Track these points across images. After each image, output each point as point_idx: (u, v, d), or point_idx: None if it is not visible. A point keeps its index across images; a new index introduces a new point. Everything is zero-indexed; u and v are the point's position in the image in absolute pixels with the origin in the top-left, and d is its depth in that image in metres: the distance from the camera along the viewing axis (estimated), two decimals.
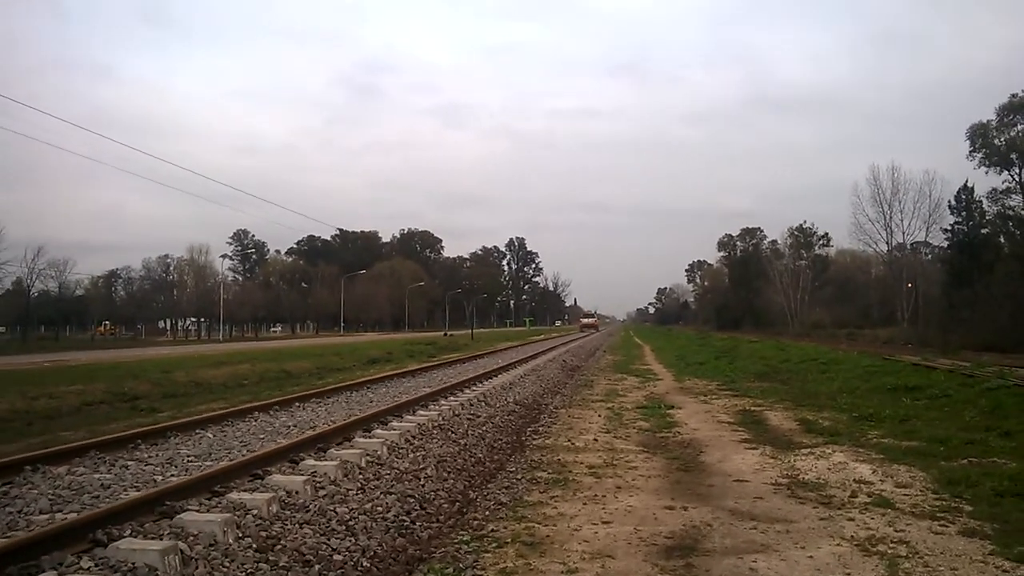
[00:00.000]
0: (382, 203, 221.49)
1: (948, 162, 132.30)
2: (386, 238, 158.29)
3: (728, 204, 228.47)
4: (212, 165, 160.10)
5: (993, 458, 9.50)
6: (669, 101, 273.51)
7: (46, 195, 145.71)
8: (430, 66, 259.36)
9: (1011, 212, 54.04)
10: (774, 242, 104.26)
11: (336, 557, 5.63)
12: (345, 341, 53.45)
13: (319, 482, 7.14)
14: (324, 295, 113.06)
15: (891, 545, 6.07)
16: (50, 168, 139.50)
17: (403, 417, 11.52)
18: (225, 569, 5.00)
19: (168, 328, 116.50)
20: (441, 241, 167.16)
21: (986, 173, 54.51)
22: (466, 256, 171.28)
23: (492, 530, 6.74)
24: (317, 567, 5.38)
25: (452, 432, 10.99)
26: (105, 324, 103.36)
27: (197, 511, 5.83)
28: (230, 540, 5.39)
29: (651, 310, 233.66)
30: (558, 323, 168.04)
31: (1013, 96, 53.24)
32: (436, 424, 11.23)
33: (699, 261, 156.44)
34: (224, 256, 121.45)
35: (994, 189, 54.54)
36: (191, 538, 5.25)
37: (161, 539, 5.13)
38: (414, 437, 10.03)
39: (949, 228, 55.62)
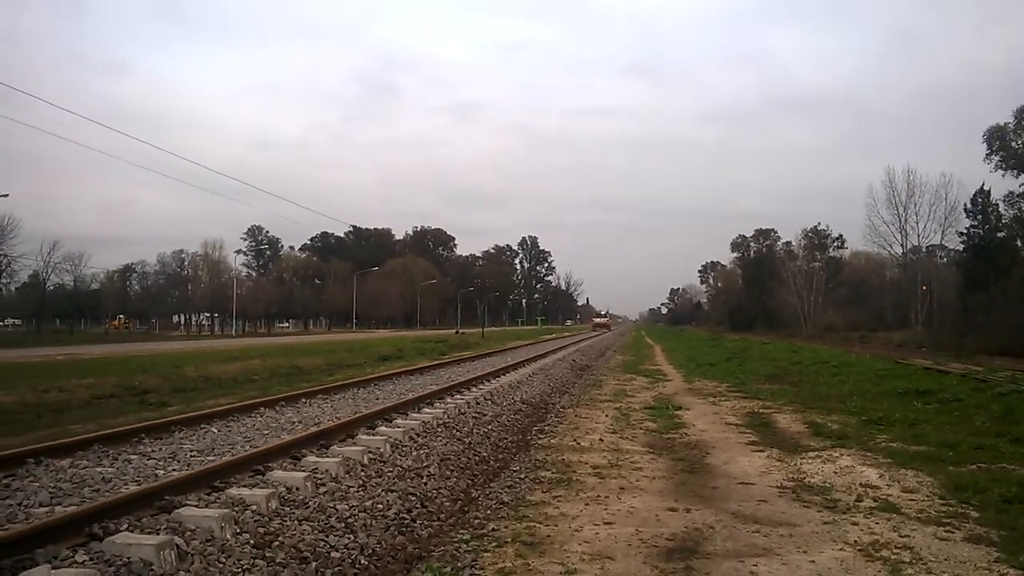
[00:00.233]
0: (395, 200, 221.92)
1: (965, 165, 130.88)
2: (399, 235, 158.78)
3: (741, 205, 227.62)
4: (227, 161, 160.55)
5: (1002, 464, 9.39)
6: (683, 101, 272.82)
7: (62, 189, 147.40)
8: (445, 63, 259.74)
9: None
10: (788, 243, 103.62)
11: (334, 554, 5.61)
12: (357, 338, 53.56)
13: (320, 479, 7.13)
14: (337, 292, 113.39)
15: (895, 551, 6.00)
16: (66, 162, 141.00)
17: (408, 415, 11.50)
18: (221, 565, 4.99)
19: (181, 323, 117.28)
20: (454, 239, 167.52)
21: (1003, 176, 53.93)
22: (479, 254, 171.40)
23: (492, 529, 6.71)
24: (314, 564, 5.36)
25: (457, 430, 10.96)
26: (119, 318, 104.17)
27: (196, 506, 5.82)
28: (228, 536, 5.39)
29: (663, 310, 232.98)
30: (569, 322, 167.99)
31: None
32: (441, 422, 11.21)
33: (712, 262, 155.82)
34: (238, 252, 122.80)
35: (1011, 192, 53.90)
36: (188, 533, 5.24)
37: (157, 534, 5.12)
38: (418, 435, 10.01)
39: (965, 231, 55.07)
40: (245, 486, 6.59)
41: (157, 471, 7.42)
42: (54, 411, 14.72)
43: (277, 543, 5.50)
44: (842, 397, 17.02)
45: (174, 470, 7.44)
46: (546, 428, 12.80)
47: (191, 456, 8.29)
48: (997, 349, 32.42)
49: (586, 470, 9.24)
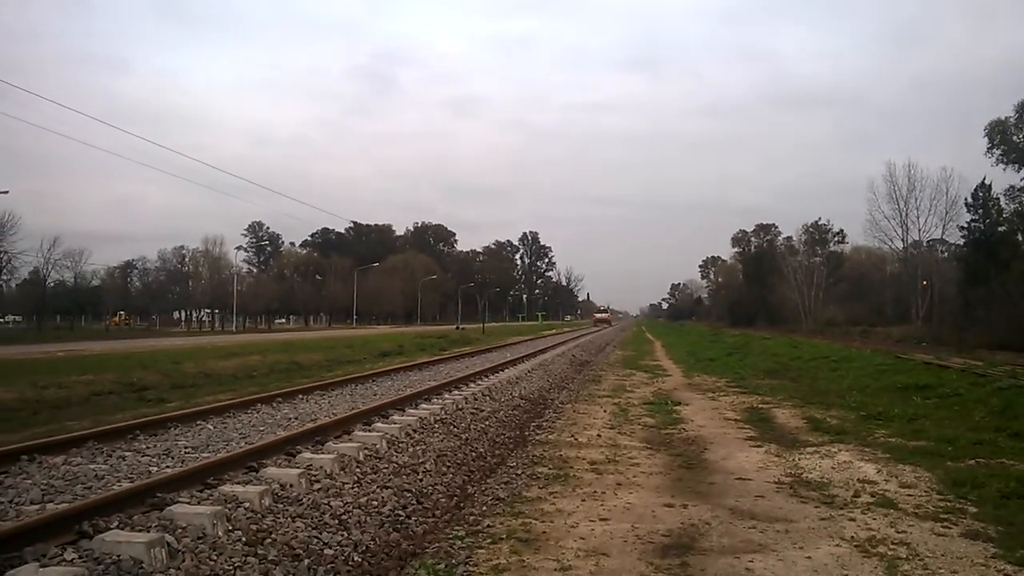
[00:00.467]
0: (396, 195, 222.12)
1: (966, 159, 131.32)
2: (400, 231, 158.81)
3: (742, 200, 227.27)
4: (228, 157, 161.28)
5: (1001, 459, 9.36)
6: (683, 96, 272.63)
7: (62, 185, 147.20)
8: (445, 58, 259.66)
9: None
10: (789, 238, 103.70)
11: (327, 551, 5.58)
12: (357, 334, 53.53)
13: (314, 475, 7.09)
14: (337, 288, 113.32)
15: (891, 546, 5.96)
16: (67, 159, 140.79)
17: (405, 411, 11.46)
18: (212, 562, 4.96)
19: (182, 319, 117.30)
20: (455, 235, 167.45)
21: (1004, 170, 53.83)
22: (479, 250, 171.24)
23: (488, 526, 6.68)
24: (307, 561, 5.33)
25: (454, 426, 10.93)
26: (120, 314, 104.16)
27: (188, 503, 5.79)
28: (220, 533, 5.35)
29: (664, 306, 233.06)
30: (568, 318, 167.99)
31: None
32: (438, 418, 11.17)
33: (713, 257, 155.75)
34: (239, 248, 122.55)
35: (1012, 186, 53.79)
36: (179, 530, 5.21)
37: (148, 531, 5.08)
38: (415, 431, 9.98)
39: (966, 225, 54.97)
40: (239, 483, 6.54)
41: (151, 468, 7.38)
42: (52, 408, 14.68)
43: (270, 540, 5.46)
44: (841, 392, 17.00)
45: (167, 467, 7.41)
46: (544, 424, 12.77)
47: (185, 453, 8.25)
48: (998, 343, 32.36)
49: (583, 466, 9.21)
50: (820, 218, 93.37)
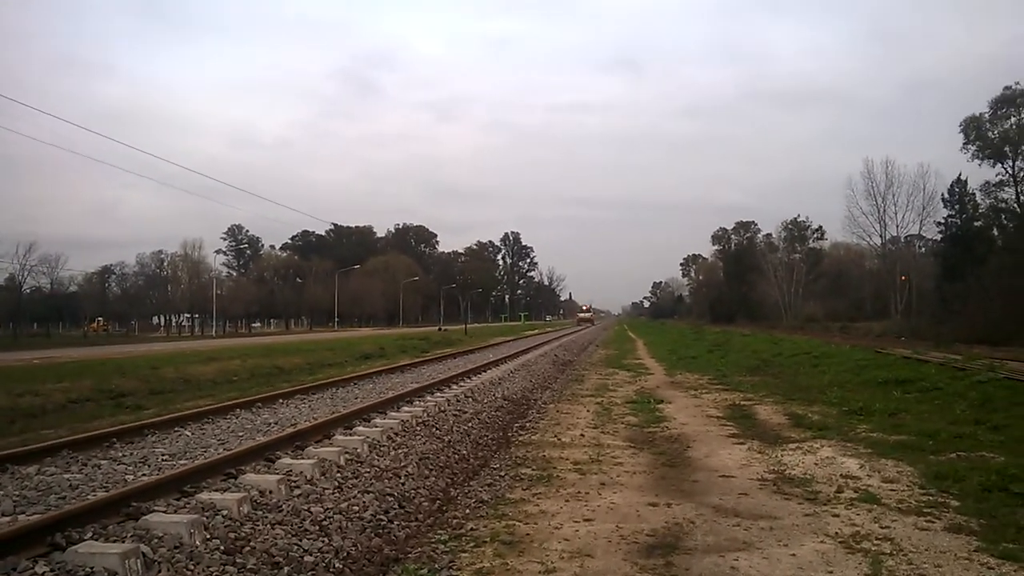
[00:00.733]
0: (378, 197, 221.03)
1: (942, 155, 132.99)
2: (381, 233, 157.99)
3: (723, 198, 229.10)
4: (207, 159, 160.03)
5: (981, 452, 9.41)
6: (665, 95, 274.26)
7: (38, 191, 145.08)
8: (427, 60, 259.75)
9: (1004, 205, 54.17)
10: (768, 236, 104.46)
11: (307, 559, 5.49)
12: (339, 336, 53.18)
13: (294, 481, 6.99)
14: (318, 290, 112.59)
15: (875, 542, 5.96)
16: (42, 163, 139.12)
17: (387, 414, 11.37)
18: (190, 572, 4.86)
19: (161, 324, 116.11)
20: (436, 236, 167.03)
21: (979, 166, 54.62)
22: (461, 251, 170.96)
23: (471, 529, 6.61)
24: (286, 569, 5.24)
25: (437, 428, 10.84)
26: (98, 320, 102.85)
27: (164, 512, 5.68)
28: (197, 542, 5.25)
29: (646, 304, 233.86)
30: (549, 318, 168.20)
31: (1006, 89, 53.31)
32: (420, 420, 11.08)
33: (694, 255, 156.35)
34: (218, 251, 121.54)
35: (987, 182, 54.62)
36: (155, 540, 5.10)
37: (123, 542, 4.98)
38: (397, 434, 9.88)
39: (942, 221, 55.76)
40: (216, 490, 6.43)
41: (127, 476, 7.25)
42: (27, 416, 14.43)
43: (248, 548, 5.36)
44: (823, 388, 17.09)
45: (144, 475, 7.28)
46: (527, 424, 12.71)
47: (162, 460, 8.12)
48: (975, 337, 32.75)
49: (567, 466, 9.16)
50: (799, 215, 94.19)
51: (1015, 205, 53.17)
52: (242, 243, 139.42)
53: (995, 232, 54.09)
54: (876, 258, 71.95)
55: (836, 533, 6.22)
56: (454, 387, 15.73)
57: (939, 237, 57.99)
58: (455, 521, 6.88)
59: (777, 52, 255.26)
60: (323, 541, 5.83)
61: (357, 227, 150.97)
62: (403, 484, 7.81)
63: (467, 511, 7.23)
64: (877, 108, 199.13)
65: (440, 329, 66.53)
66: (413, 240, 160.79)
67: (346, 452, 8.30)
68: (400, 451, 9.05)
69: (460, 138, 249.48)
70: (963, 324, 37.29)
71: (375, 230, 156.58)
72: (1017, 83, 52.98)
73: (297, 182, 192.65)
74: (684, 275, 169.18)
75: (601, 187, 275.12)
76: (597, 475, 8.69)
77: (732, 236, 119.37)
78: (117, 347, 42.01)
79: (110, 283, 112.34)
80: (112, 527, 5.29)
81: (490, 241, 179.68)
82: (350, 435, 9.41)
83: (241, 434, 9.94)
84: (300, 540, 5.73)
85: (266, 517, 6.00)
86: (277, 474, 7.09)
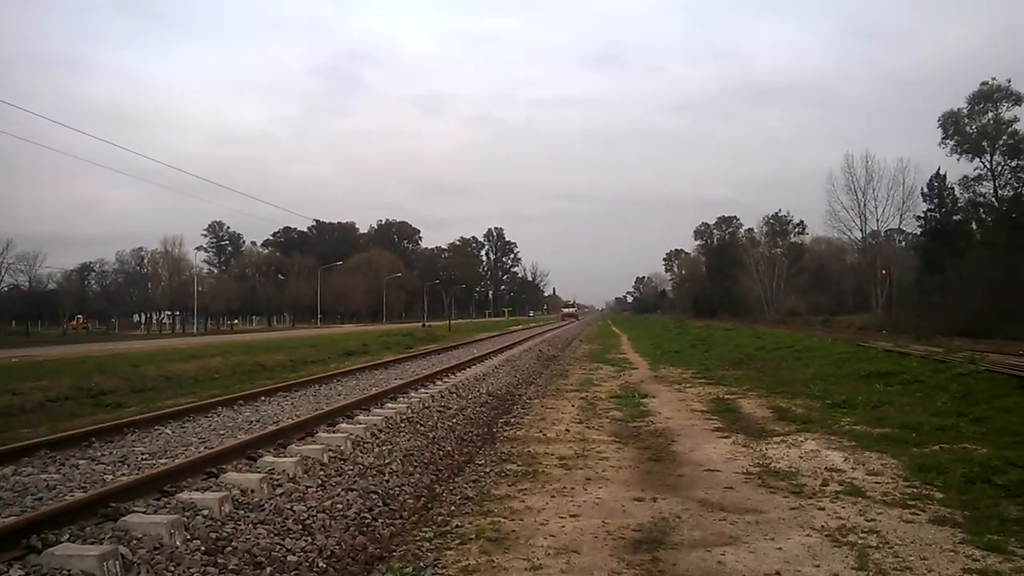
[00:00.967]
0: (361, 193, 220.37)
1: (922, 150, 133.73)
2: (363, 229, 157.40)
3: (706, 193, 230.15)
4: (190, 156, 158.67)
5: (964, 444, 9.45)
6: (648, 91, 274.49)
7: (15, 188, 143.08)
8: (410, 56, 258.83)
9: (982, 199, 54.66)
10: (750, 230, 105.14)
11: (290, 558, 5.41)
12: (322, 333, 52.92)
13: (276, 480, 6.90)
14: (301, 287, 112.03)
15: (861, 535, 5.96)
16: (19, 161, 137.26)
17: (370, 411, 11.27)
18: (170, 574, 4.77)
19: (142, 322, 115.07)
20: (419, 232, 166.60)
21: (958, 160, 55.06)
22: (444, 247, 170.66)
23: (456, 526, 6.54)
24: (269, 569, 5.17)
25: (421, 425, 10.78)
26: (78, 318, 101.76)
27: (144, 512, 5.57)
28: (177, 542, 5.15)
29: (629, 299, 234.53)
30: (532, 313, 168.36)
31: (984, 84, 53.76)
32: (404, 417, 11.00)
33: (677, 250, 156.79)
34: (199, 248, 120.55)
35: (965, 176, 55.13)
36: (135, 542, 5.00)
37: (101, 543, 4.88)
38: (380, 431, 9.80)
39: (922, 215, 56.26)
40: (197, 490, 6.33)
41: (105, 476, 7.12)
42: (5, 415, 14.22)
43: (230, 548, 5.28)
44: (806, 381, 17.16)
45: (123, 475, 7.16)
46: (512, 420, 12.66)
47: (142, 459, 7.98)
48: (955, 330, 33.03)
49: (552, 462, 9.12)
50: (781, 209, 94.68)
51: (993, 199, 53.69)
52: (223, 240, 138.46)
53: (973, 226, 54.65)
54: (857, 252, 72.53)
55: (822, 526, 6.22)
56: (438, 383, 15.66)
57: (919, 231, 58.55)
58: (440, 518, 6.82)
59: (758, 48, 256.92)
60: (306, 540, 5.75)
61: (340, 223, 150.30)
62: (387, 481, 7.75)
63: (452, 508, 7.16)
64: (857, 104, 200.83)
65: (424, 325, 66.40)
66: (396, 236, 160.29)
67: (329, 450, 8.21)
68: (384, 448, 8.97)
69: (444, 134, 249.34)
70: (943, 317, 37.59)
71: (358, 226, 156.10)
72: (994, 79, 53.53)
73: (279, 178, 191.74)
74: (667, 270, 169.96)
75: (585, 183, 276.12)
76: (583, 470, 8.66)
77: (714, 231, 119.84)
78: (97, 345, 41.56)
79: (89, 281, 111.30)
80: (90, 528, 5.18)
81: (473, 237, 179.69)
82: (333, 432, 9.31)
83: (223, 432, 9.82)
84: (283, 539, 5.66)
85: (248, 516, 5.91)
86: (259, 473, 7.00)
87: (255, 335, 58.82)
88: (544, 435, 11.05)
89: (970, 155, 54.18)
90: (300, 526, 5.97)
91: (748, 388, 16.58)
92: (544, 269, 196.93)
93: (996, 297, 35.83)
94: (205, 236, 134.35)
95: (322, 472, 7.48)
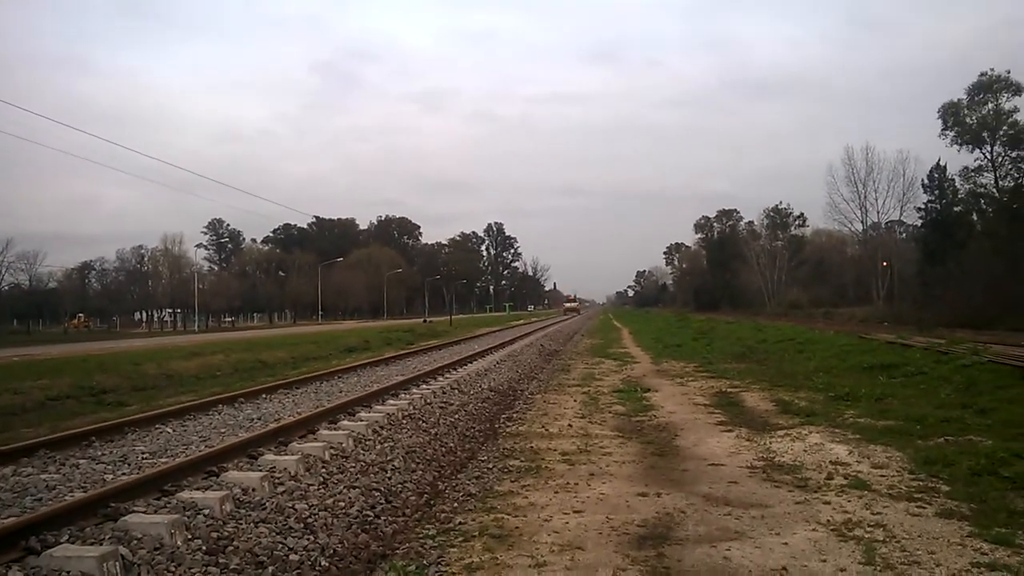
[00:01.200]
0: (360, 190, 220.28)
1: (922, 142, 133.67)
2: (363, 225, 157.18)
3: (706, 186, 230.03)
4: (190, 154, 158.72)
5: (969, 436, 9.39)
6: (646, 86, 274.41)
7: (15, 187, 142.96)
8: (410, 52, 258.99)
9: (982, 190, 54.62)
10: (751, 223, 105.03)
11: (292, 557, 5.37)
12: (323, 330, 52.88)
13: (278, 478, 6.85)
14: (301, 284, 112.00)
15: (868, 529, 5.91)
16: (20, 160, 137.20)
17: (372, 407, 11.23)
18: (170, 574, 4.72)
19: (143, 320, 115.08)
20: (419, 227, 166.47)
21: (958, 151, 55.02)
22: (445, 242, 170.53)
23: (460, 523, 6.50)
24: (271, 568, 5.12)
25: (423, 421, 10.73)
26: (79, 317, 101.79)
27: (144, 512, 5.52)
28: (178, 542, 5.10)
29: (630, 293, 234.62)
30: (531, 308, 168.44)
31: (983, 75, 53.68)
32: (406, 413, 10.96)
33: (677, 243, 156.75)
34: (199, 246, 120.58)
35: (966, 167, 55.09)
36: (135, 542, 4.95)
37: (101, 544, 4.83)
38: (382, 428, 9.76)
39: (922, 207, 56.17)
40: (198, 489, 6.28)
41: (105, 476, 7.07)
42: (5, 415, 14.20)
43: (231, 548, 5.23)
44: (808, 374, 17.09)
45: (123, 474, 7.10)
46: (514, 415, 12.61)
47: (143, 459, 7.93)
48: (957, 322, 33.01)
49: (555, 457, 9.07)
50: (781, 202, 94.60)
51: (993, 190, 53.64)
52: (223, 237, 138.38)
53: (974, 217, 54.60)
54: (857, 244, 72.50)
55: (828, 520, 6.17)
56: (440, 379, 15.61)
57: (919, 223, 58.51)
58: (443, 515, 6.77)
59: (757, 42, 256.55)
60: (308, 539, 5.70)
61: (339, 220, 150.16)
62: (390, 478, 7.70)
63: (455, 505, 7.12)
64: (856, 96, 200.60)
65: (425, 321, 66.34)
66: (396, 232, 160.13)
67: (331, 447, 8.17)
68: (386, 445, 8.92)
69: (443, 130, 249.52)
70: (945, 309, 37.56)
71: (358, 222, 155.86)
72: (992, 69, 53.47)
73: (279, 175, 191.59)
74: (668, 264, 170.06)
75: (584, 177, 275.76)
76: (586, 465, 8.61)
77: (715, 224, 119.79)
78: (98, 343, 41.54)
79: (90, 279, 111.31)
80: (89, 529, 5.13)
81: (474, 232, 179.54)
82: (335, 429, 9.27)
83: (223, 430, 9.76)
84: (285, 538, 5.61)
85: (249, 515, 5.86)
86: (260, 471, 6.95)
87: (256, 332, 58.80)
88: (547, 430, 11.00)
89: (970, 146, 54.14)
90: (302, 524, 5.92)
91: (751, 381, 16.52)
92: (545, 264, 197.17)
93: (998, 288, 35.78)
94: (205, 233, 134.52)
95: (324, 470, 7.43)
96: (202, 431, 9.75)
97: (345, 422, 9.85)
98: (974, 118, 53.76)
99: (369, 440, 8.97)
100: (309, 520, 6.03)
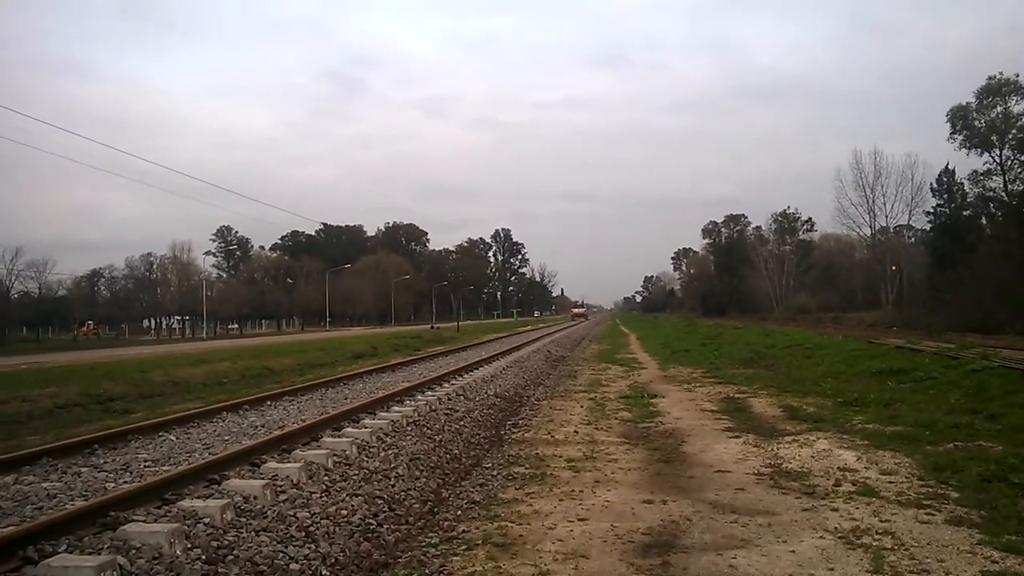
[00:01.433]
0: (367, 197, 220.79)
1: (930, 145, 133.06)
2: (371, 232, 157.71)
3: (713, 191, 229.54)
4: (195, 161, 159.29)
5: (979, 441, 9.29)
6: (650, 90, 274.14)
7: (24, 195, 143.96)
8: (415, 59, 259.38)
9: (992, 193, 54.28)
10: (758, 228, 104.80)
11: (293, 566, 5.31)
12: (330, 336, 52.95)
13: (280, 486, 6.80)
14: (309, 290, 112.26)
15: (876, 537, 5.82)
16: (28, 167, 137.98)
17: (377, 414, 11.19)
18: None
19: (152, 327, 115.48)
20: (427, 234, 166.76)
21: (967, 155, 54.76)
22: (452, 248, 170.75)
23: (463, 531, 6.44)
24: None
25: (427, 428, 10.67)
26: (88, 324, 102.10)
27: (144, 521, 5.49)
28: (177, 552, 5.06)
29: (638, 299, 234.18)
30: (537, 314, 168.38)
31: (991, 78, 53.41)
32: (411, 420, 10.91)
33: (684, 249, 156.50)
34: (207, 253, 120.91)
35: (975, 171, 54.77)
36: (133, 551, 4.91)
37: (99, 554, 4.79)
38: (387, 435, 9.71)
39: (931, 211, 55.94)
40: (199, 497, 6.24)
41: (107, 484, 7.05)
42: (13, 422, 14.20)
43: (231, 557, 5.19)
44: (816, 379, 16.98)
45: (125, 483, 7.08)
46: (520, 422, 12.55)
47: (145, 467, 7.91)
48: (967, 326, 32.78)
49: (560, 464, 9.00)
50: (789, 207, 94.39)
51: (1003, 194, 53.28)
52: (231, 244, 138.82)
53: (983, 221, 54.32)
54: (866, 248, 72.21)
55: (836, 528, 6.08)
56: (446, 385, 15.57)
57: (928, 227, 58.27)
58: (446, 523, 6.71)
59: (762, 46, 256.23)
60: (310, 547, 5.65)
61: (347, 226, 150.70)
62: (393, 486, 7.65)
63: (459, 512, 7.06)
64: (863, 99, 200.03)
65: (432, 327, 66.37)
66: (404, 239, 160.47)
67: (334, 454, 8.11)
68: (390, 452, 8.87)
69: (448, 136, 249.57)
70: (954, 313, 37.32)
71: (365, 229, 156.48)
72: (1001, 73, 53.21)
73: (284, 182, 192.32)
74: (675, 269, 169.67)
75: (591, 183, 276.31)
76: (591, 472, 8.54)
77: (722, 229, 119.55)
78: (107, 351, 41.67)
79: (99, 287, 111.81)
80: (88, 538, 5.09)
81: (481, 238, 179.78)
82: (339, 436, 9.22)
83: (227, 438, 9.74)
84: (286, 547, 5.56)
85: (250, 524, 5.82)
86: (262, 479, 6.91)
87: (264, 339, 58.89)
88: (552, 437, 10.93)
89: (979, 149, 53.87)
90: (303, 533, 5.87)
91: (758, 387, 16.41)
92: (552, 270, 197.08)
93: (1008, 292, 35.53)
94: (213, 241, 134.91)
95: (327, 477, 7.38)
96: (206, 438, 9.73)
97: (349, 429, 9.81)
98: (983, 121, 53.53)
99: (373, 447, 8.92)
100: (311, 528, 5.98)
